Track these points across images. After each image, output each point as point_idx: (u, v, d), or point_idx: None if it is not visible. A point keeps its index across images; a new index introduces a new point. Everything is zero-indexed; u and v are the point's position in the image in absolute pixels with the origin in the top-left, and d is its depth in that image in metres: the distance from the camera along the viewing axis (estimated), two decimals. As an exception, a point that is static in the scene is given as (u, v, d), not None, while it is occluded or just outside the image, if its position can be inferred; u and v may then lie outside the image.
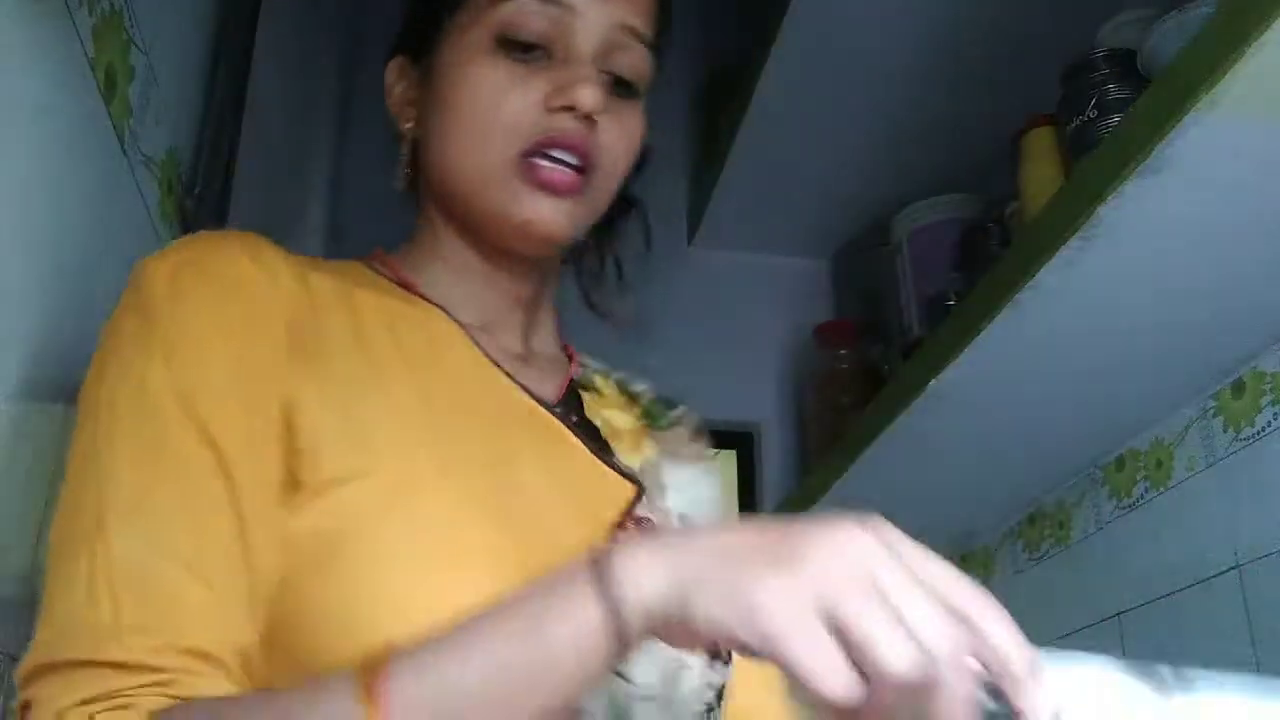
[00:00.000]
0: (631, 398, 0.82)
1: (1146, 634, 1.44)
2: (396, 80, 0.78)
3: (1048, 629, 1.64)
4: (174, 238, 1.01)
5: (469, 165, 0.71)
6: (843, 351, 1.91)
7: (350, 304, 0.68)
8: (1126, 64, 1.14)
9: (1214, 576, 1.32)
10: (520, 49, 0.70)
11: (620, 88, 0.73)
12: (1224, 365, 1.31)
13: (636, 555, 0.49)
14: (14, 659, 0.71)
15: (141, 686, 0.52)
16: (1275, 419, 1.26)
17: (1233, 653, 1.28)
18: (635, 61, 0.73)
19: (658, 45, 0.75)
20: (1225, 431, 1.33)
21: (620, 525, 0.68)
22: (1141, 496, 1.48)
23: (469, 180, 0.71)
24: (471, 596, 0.53)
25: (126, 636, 0.53)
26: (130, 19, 0.85)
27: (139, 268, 0.63)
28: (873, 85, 1.67)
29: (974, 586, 0.46)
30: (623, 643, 0.48)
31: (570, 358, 0.81)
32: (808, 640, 0.43)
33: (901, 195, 1.75)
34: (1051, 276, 1.15)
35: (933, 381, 1.38)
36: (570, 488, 0.68)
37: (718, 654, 0.68)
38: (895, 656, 0.43)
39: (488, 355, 0.71)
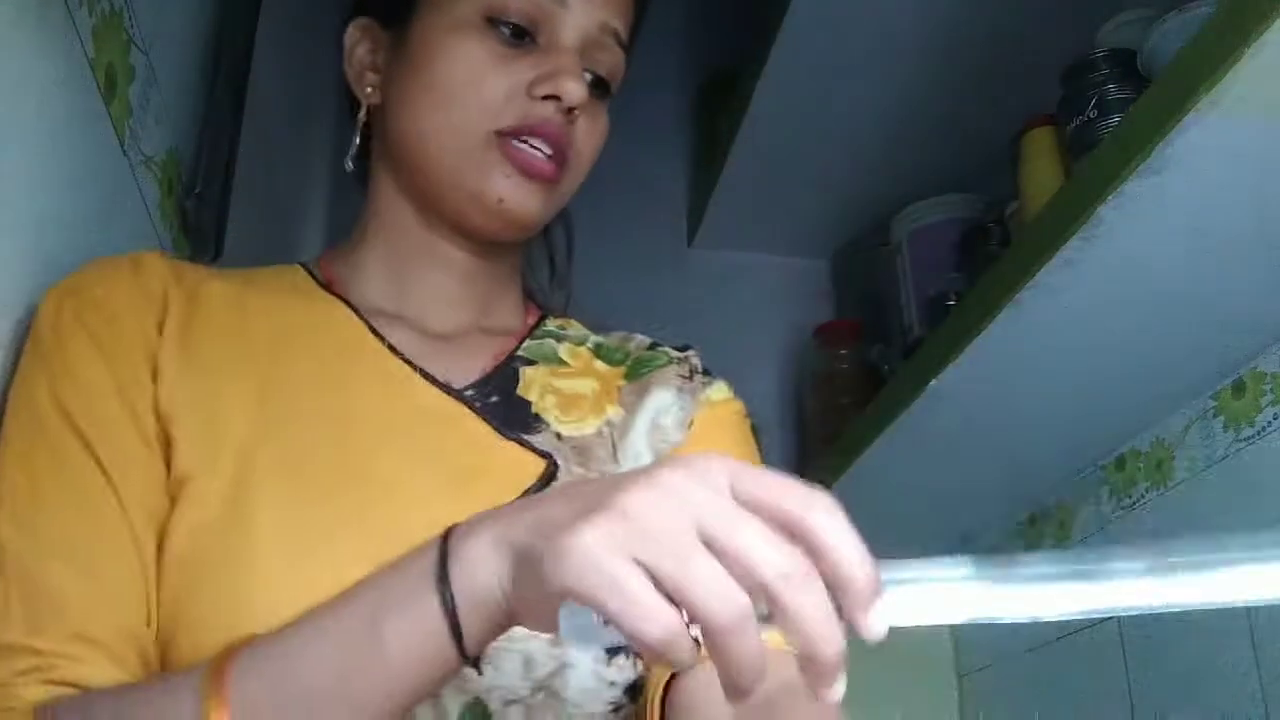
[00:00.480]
0: (619, 355, 0.80)
1: (1146, 634, 1.44)
2: (359, 42, 0.77)
3: (1047, 628, 1.64)
4: (174, 238, 1.01)
5: (444, 139, 0.70)
6: (843, 351, 1.91)
7: (240, 309, 0.70)
8: (1127, 64, 1.14)
9: (1214, 576, 1.32)
10: (507, 30, 0.70)
11: (596, 87, 0.73)
12: (1224, 365, 1.31)
13: (471, 544, 0.47)
14: (14, 659, 0.71)
15: (24, 672, 0.55)
16: (1276, 419, 1.26)
17: (1233, 654, 1.28)
18: (612, 62, 0.74)
19: (630, 49, 0.76)
20: (1226, 431, 1.33)
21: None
22: (1142, 496, 1.48)
23: (440, 153, 0.71)
24: (316, 594, 0.53)
25: (15, 626, 0.56)
26: (130, 19, 0.85)
27: (40, 302, 0.68)
28: (872, 85, 1.67)
29: (813, 498, 0.42)
30: (463, 641, 0.47)
31: (531, 332, 0.79)
32: (620, 586, 0.40)
33: (901, 195, 1.75)
34: (1051, 276, 1.15)
35: (933, 381, 1.37)
36: (460, 473, 0.67)
37: (618, 649, 0.64)
38: (717, 603, 0.40)
39: (388, 345, 0.71)
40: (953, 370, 1.34)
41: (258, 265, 0.80)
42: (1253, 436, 1.29)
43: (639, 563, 0.41)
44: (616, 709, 0.65)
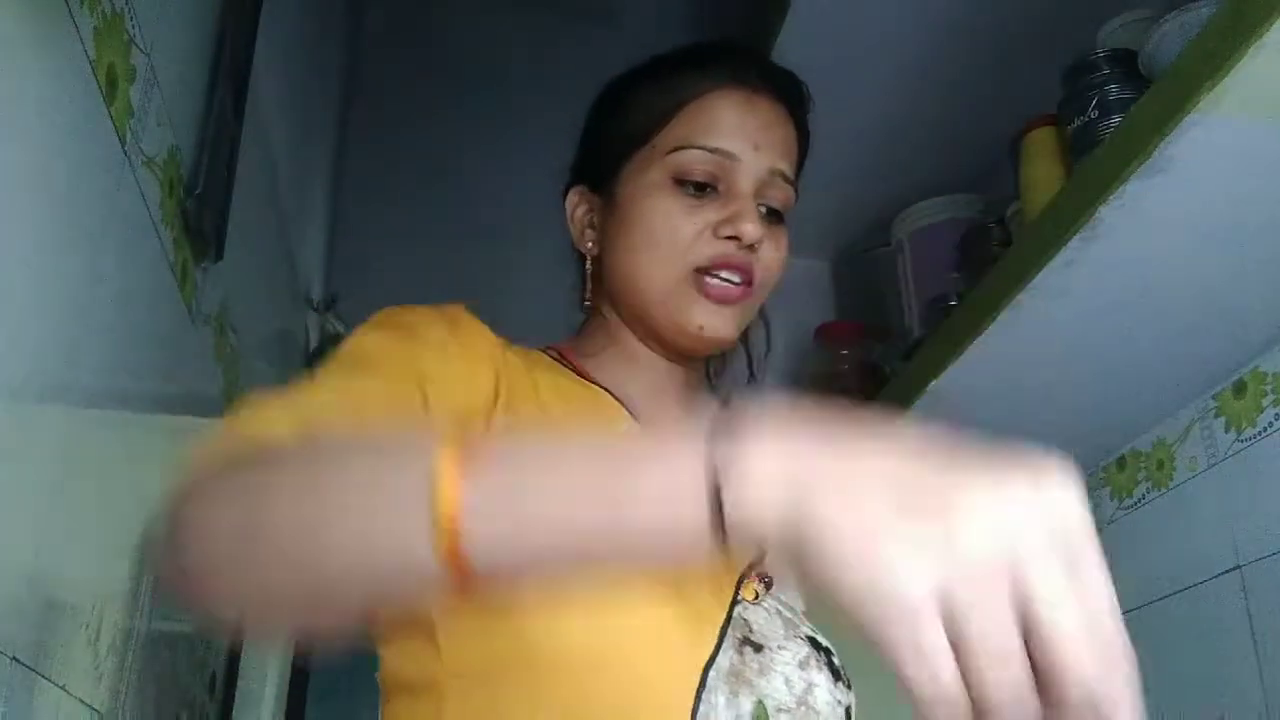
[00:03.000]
0: None
1: (1147, 634, 1.44)
2: (578, 205, 0.92)
3: (1049, 629, 1.64)
4: (175, 238, 1.01)
5: (651, 279, 0.85)
6: (843, 352, 1.91)
7: (533, 380, 0.81)
8: (1127, 64, 1.14)
9: (1215, 577, 1.32)
10: (692, 186, 0.85)
11: (770, 215, 0.87)
12: (1225, 365, 1.31)
13: (756, 463, 0.42)
14: (14, 659, 0.71)
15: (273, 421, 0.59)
16: (1277, 419, 1.26)
17: (1233, 653, 1.28)
18: (782, 196, 0.88)
19: (796, 180, 0.90)
20: (1227, 432, 1.33)
21: (744, 576, 0.78)
22: (1143, 497, 1.48)
23: (650, 291, 0.85)
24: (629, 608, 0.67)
25: (265, 414, 0.59)
26: (131, 20, 0.85)
27: (382, 311, 0.76)
28: (873, 85, 1.67)
29: (1127, 645, 0.38)
30: (714, 549, 0.42)
31: None
32: (918, 639, 0.37)
33: (902, 195, 1.75)
34: (1052, 276, 1.15)
35: (933, 382, 1.38)
36: None
37: (839, 677, 0.78)
38: (1008, 699, 0.37)
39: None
40: (953, 371, 1.34)
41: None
42: (1254, 437, 1.29)
43: (946, 609, 0.37)
44: None
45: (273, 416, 0.59)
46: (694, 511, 0.42)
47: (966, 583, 0.37)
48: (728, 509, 0.42)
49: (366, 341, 0.71)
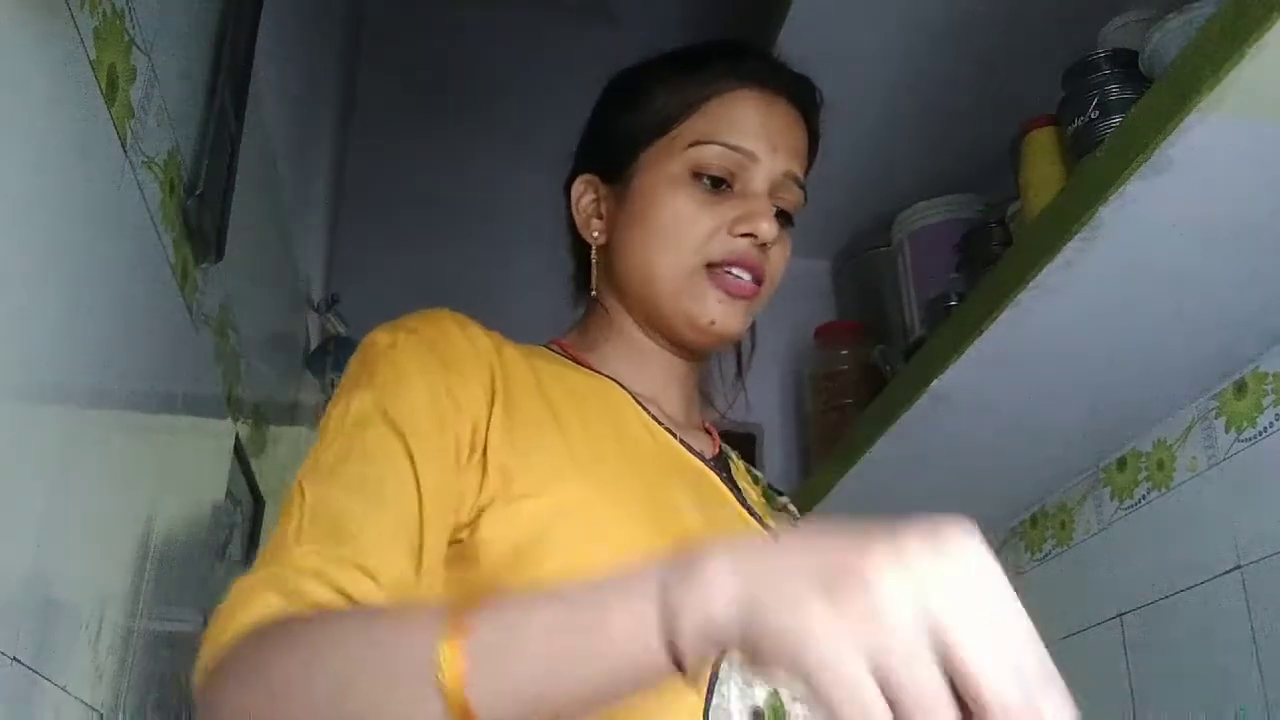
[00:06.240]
0: (755, 479, 0.95)
1: (1148, 634, 1.44)
2: (584, 194, 0.92)
3: (1050, 629, 1.63)
4: (175, 239, 1.01)
5: (663, 270, 0.85)
6: (843, 352, 1.91)
7: (534, 372, 0.81)
8: (1128, 64, 1.14)
9: (1216, 577, 1.32)
10: (709, 182, 0.86)
11: (781, 217, 0.89)
12: (1226, 366, 1.31)
13: (710, 577, 0.48)
14: (14, 659, 0.71)
15: (313, 575, 0.62)
16: (1277, 420, 1.26)
17: (1234, 654, 1.28)
18: (794, 200, 0.90)
19: (805, 184, 0.92)
20: (1227, 432, 1.33)
21: None
22: (1143, 497, 1.48)
23: (662, 282, 0.86)
24: None
25: (306, 546, 0.64)
26: (132, 20, 0.85)
27: (367, 338, 0.78)
28: (873, 85, 1.67)
29: (1048, 664, 0.43)
30: (679, 662, 0.49)
31: (708, 431, 0.94)
32: (845, 687, 0.42)
33: (902, 195, 1.75)
34: (1052, 276, 1.15)
35: (934, 382, 1.37)
36: (720, 528, 0.80)
37: None
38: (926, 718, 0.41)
39: (652, 416, 0.85)
40: (954, 371, 1.34)
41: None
42: (1254, 437, 1.29)
43: (871, 661, 0.42)
44: None
45: (305, 567, 0.62)
46: (658, 658, 0.49)
47: (891, 649, 0.42)
48: (683, 648, 0.48)
49: (362, 408, 0.72)
